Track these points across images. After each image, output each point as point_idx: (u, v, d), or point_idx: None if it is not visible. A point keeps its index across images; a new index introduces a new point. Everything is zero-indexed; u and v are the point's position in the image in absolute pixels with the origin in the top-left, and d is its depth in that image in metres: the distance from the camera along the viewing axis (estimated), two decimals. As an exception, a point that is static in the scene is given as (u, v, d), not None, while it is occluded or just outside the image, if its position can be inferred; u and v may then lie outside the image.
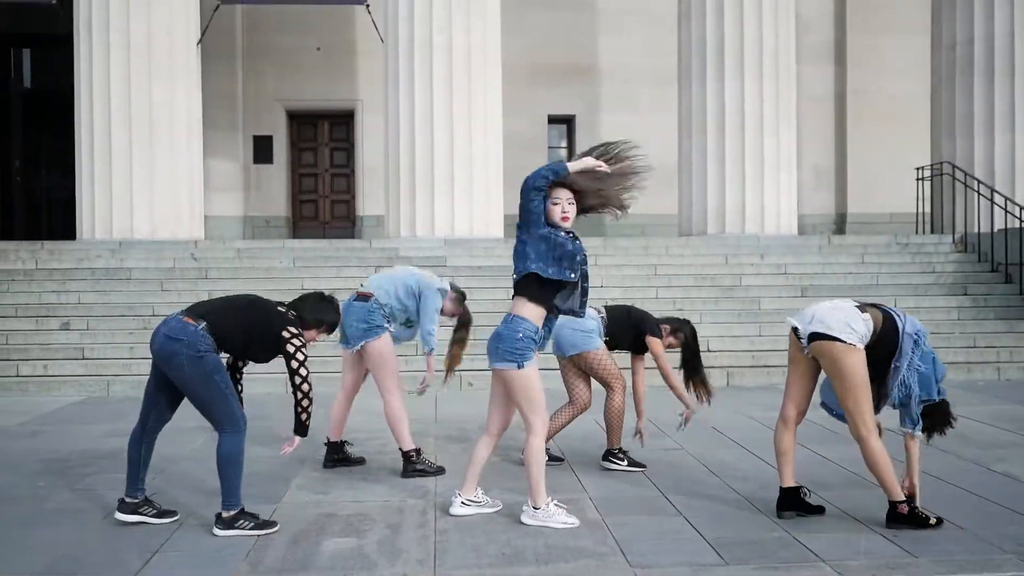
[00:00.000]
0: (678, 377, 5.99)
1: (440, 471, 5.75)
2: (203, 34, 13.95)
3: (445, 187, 13.07)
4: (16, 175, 18.43)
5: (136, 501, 4.68)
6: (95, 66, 13.06)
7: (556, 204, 4.41)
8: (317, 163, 18.49)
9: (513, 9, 15.95)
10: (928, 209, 14.80)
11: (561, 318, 4.84)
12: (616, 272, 12.17)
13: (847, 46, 18.75)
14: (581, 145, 18.39)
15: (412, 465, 5.73)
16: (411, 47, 13.15)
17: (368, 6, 13.86)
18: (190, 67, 13.68)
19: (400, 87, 13.24)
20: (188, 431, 6.71)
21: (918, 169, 15.13)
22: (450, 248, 12.50)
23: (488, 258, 12.33)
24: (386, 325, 5.76)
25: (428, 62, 13.09)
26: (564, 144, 18.95)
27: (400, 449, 5.82)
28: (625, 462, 5.86)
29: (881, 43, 18.58)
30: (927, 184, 14.75)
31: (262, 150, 17.84)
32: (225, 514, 4.50)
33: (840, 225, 18.65)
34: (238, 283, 11.20)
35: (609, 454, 5.93)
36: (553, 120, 18.55)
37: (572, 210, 4.46)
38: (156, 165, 13.17)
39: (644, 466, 5.85)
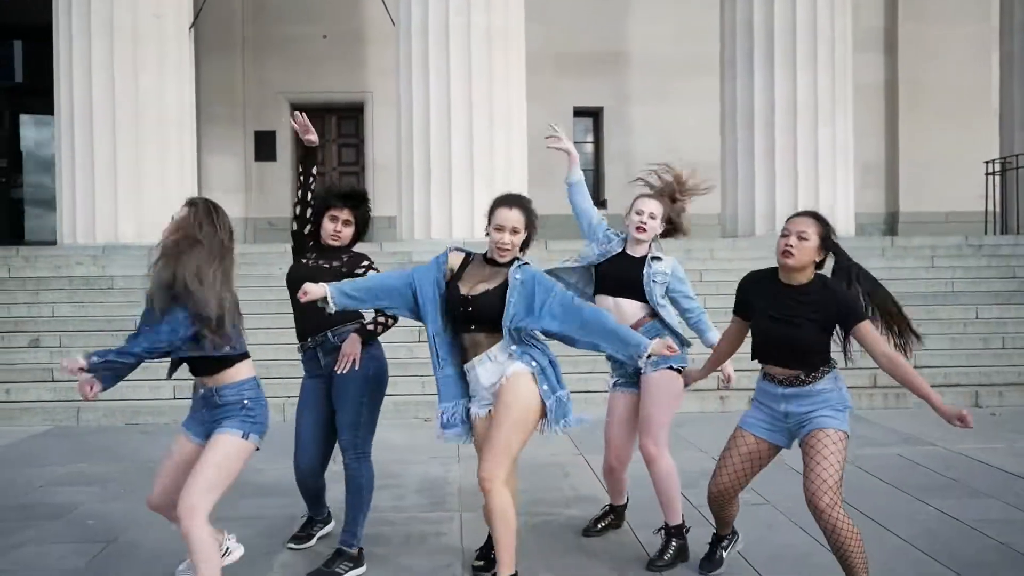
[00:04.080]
0: None
1: None
2: (195, 18, 12.66)
3: (464, 184, 11.73)
4: None
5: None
6: (75, 54, 11.77)
7: None
8: (324, 160, 17.17)
9: (537, -8, 14.56)
10: (998, 208, 13.37)
11: None
12: (658, 279, 10.77)
13: (898, 33, 17.30)
14: (609, 140, 17.04)
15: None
16: (425, 30, 11.84)
17: (379, -14, 12.58)
18: (182, 55, 12.40)
19: (413, 74, 11.92)
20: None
21: (987, 163, 13.71)
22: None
23: (514, 262, 10.94)
24: None
25: (444, 46, 11.76)
26: (591, 139, 17.55)
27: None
28: None
29: (934, 31, 17.13)
30: (996, 179, 13.33)
31: (264, 147, 16.51)
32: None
33: (891, 225, 17.19)
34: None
35: None
36: (579, 113, 17.15)
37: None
38: (144, 162, 11.89)
39: None
